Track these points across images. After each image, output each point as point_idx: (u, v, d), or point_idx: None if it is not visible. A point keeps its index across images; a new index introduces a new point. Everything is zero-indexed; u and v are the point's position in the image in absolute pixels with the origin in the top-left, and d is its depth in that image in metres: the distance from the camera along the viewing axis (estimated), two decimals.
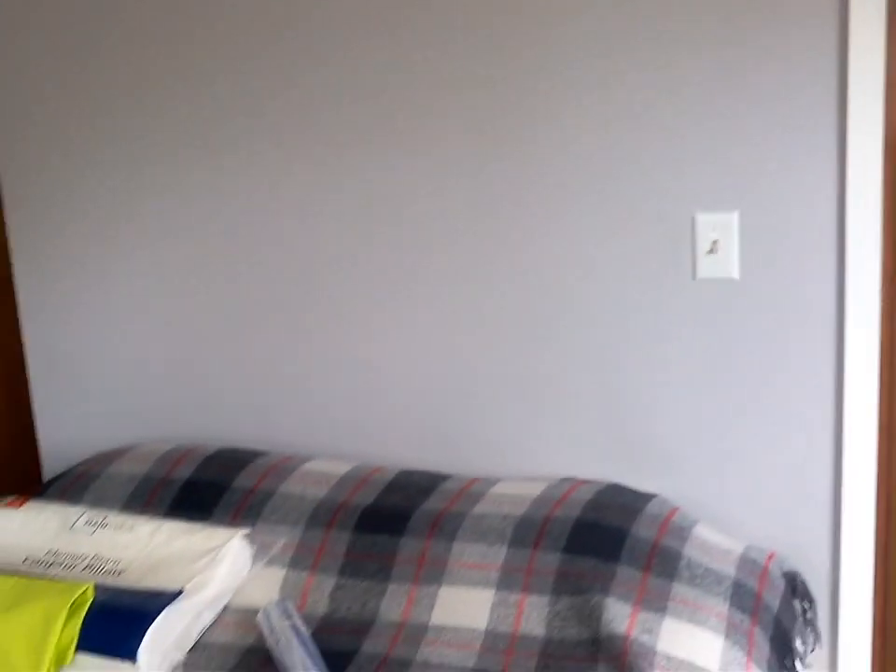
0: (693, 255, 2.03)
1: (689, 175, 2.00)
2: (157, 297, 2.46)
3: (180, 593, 1.81)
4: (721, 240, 2.00)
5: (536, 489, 2.07)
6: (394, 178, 2.20)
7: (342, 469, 2.19)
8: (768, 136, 1.94)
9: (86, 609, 1.75)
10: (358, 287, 2.28)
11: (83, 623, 1.73)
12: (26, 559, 1.97)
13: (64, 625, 1.72)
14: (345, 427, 2.35)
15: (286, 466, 2.20)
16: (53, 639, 1.71)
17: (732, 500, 2.10)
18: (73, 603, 1.75)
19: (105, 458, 2.33)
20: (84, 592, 1.78)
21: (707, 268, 2.02)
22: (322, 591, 1.92)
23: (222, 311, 2.41)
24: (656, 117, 2.00)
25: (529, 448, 2.22)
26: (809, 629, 2.00)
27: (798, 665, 1.88)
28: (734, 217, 1.99)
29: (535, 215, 2.12)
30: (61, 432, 2.61)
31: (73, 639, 1.72)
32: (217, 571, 1.89)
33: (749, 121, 1.94)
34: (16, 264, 2.57)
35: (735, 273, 2.01)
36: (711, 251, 2.01)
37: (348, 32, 2.17)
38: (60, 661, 1.71)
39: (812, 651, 2.01)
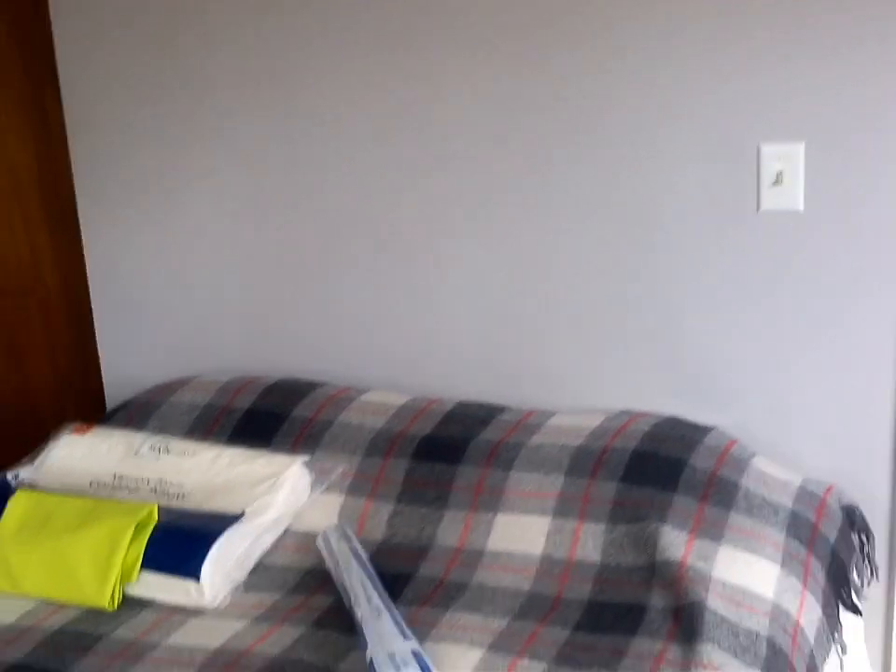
0: (757, 186, 2.00)
1: (755, 104, 1.96)
2: (219, 228, 2.47)
3: (241, 516, 1.84)
4: (787, 171, 1.96)
5: (594, 421, 2.08)
6: (460, 104, 2.18)
7: (399, 400, 2.21)
8: (836, 66, 1.89)
9: (151, 529, 1.79)
10: (419, 218, 2.28)
11: (148, 542, 1.77)
12: (92, 483, 2.02)
13: (130, 544, 1.77)
14: (404, 360, 2.36)
15: (344, 396, 2.23)
16: (119, 557, 1.75)
17: (791, 434, 2.09)
18: (138, 523, 1.79)
19: (168, 388, 2.37)
20: (149, 513, 1.82)
21: (771, 200, 1.99)
22: (380, 517, 1.95)
23: (284, 243, 2.42)
24: (724, 47, 1.96)
25: (588, 381, 2.22)
26: (866, 563, 1.99)
27: (854, 597, 1.87)
28: (800, 148, 1.95)
29: (598, 143, 2.09)
30: (123, 363, 2.66)
31: (138, 558, 1.76)
32: (278, 496, 1.92)
33: (816, 51, 1.90)
34: (79, 194, 2.60)
35: (800, 206, 1.98)
36: (776, 182, 1.98)
37: None
38: (126, 578, 1.76)
39: (868, 584, 2.00)
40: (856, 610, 1.86)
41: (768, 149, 1.97)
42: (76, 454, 2.09)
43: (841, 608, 1.82)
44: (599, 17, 2.03)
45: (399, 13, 2.19)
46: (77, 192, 2.60)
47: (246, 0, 2.31)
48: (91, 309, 2.66)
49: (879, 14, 1.85)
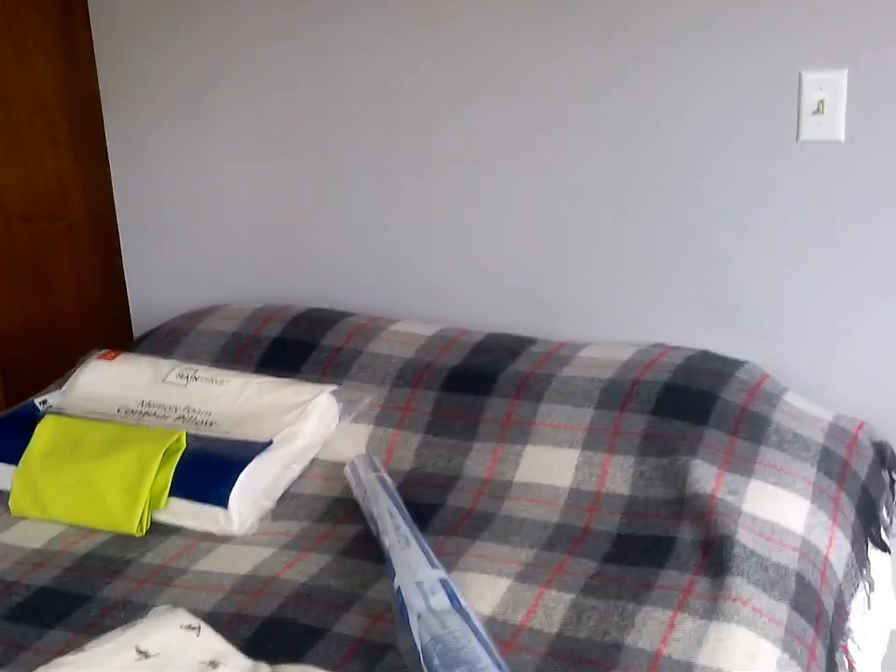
0: (797, 115, 1.95)
1: (796, 30, 1.91)
2: (249, 155, 2.45)
3: (270, 444, 1.84)
4: (828, 99, 1.92)
5: (625, 354, 2.06)
6: (496, 44, 2.15)
7: (429, 330, 2.19)
8: None
9: (179, 455, 1.79)
10: (451, 150, 2.25)
11: (176, 469, 1.77)
12: (120, 409, 2.02)
13: (158, 470, 1.77)
14: (434, 290, 2.35)
15: (373, 326, 2.21)
16: (148, 483, 1.75)
17: (823, 370, 2.06)
18: (167, 449, 1.79)
19: (195, 316, 2.36)
20: (178, 440, 1.82)
21: (811, 129, 1.95)
22: (408, 447, 1.95)
23: (314, 173, 2.40)
24: None
25: (620, 313, 2.20)
26: None
27: (883, 534, 1.86)
28: (842, 76, 1.90)
29: (637, 73, 2.05)
30: (150, 290, 2.65)
31: (167, 484, 1.76)
32: (306, 425, 1.91)
33: None
34: (107, 119, 2.57)
35: (841, 136, 1.93)
36: (817, 111, 1.93)
37: None
38: (154, 504, 1.77)
39: None
40: (885, 548, 1.85)
41: (810, 77, 1.92)
42: (103, 380, 2.08)
43: (870, 544, 1.81)
44: None
45: None
46: (105, 118, 2.57)
47: None
48: (118, 235, 2.65)
49: None
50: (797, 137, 1.97)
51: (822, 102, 1.92)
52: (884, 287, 1.98)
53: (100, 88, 2.55)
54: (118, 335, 2.71)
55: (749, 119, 1.99)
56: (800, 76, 1.93)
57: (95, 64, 2.54)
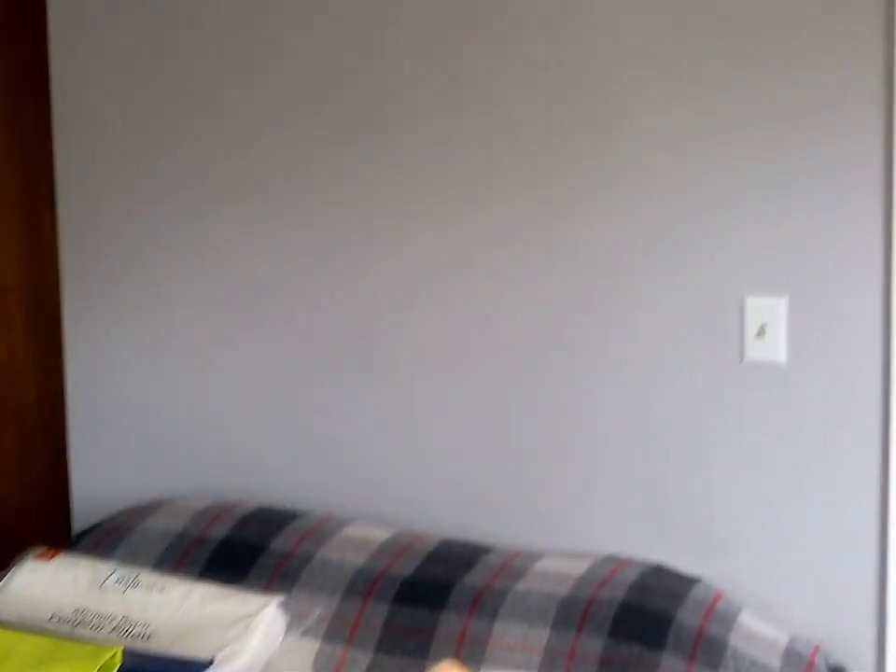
0: (741, 337, 2.01)
1: (739, 257, 1.99)
2: (202, 350, 2.45)
3: (211, 662, 1.77)
4: (770, 324, 1.98)
5: (580, 567, 2.02)
6: (444, 242, 2.20)
7: (382, 535, 2.14)
8: (817, 224, 1.93)
9: None
10: (404, 348, 2.26)
11: None
12: (53, 616, 1.93)
13: None
14: (387, 489, 2.32)
15: (325, 529, 2.16)
16: None
17: (776, 587, 2.04)
18: (100, 668, 1.71)
19: (140, 512, 2.30)
20: (112, 656, 1.74)
21: (754, 351, 2.00)
22: (357, 667, 1.87)
23: (265, 367, 2.40)
24: (711, 204, 2.00)
25: (574, 521, 2.18)
26: None
27: None
28: (783, 302, 1.97)
29: (582, 288, 2.11)
30: (96, 479, 2.59)
31: None
32: (250, 640, 1.84)
33: (798, 210, 1.94)
34: (65, 305, 2.58)
35: (783, 358, 1.98)
36: (759, 334, 1.99)
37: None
38: None
39: None
40: None
41: (752, 302, 1.99)
42: (38, 582, 2.01)
43: None
44: (587, 172, 2.08)
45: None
46: (63, 304, 2.58)
47: (240, 124, 2.35)
48: (66, 422, 2.61)
49: (854, 178, 1.90)
50: (741, 358, 2.01)
51: (764, 326, 1.98)
52: (831, 505, 1.98)
53: (60, 271, 2.56)
54: (58, 525, 2.64)
55: (695, 340, 2.04)
56: (742, 300, 1.99)
57: (57, 250, 2.55)
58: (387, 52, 2.22)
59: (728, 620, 1.89)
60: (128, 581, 1.98)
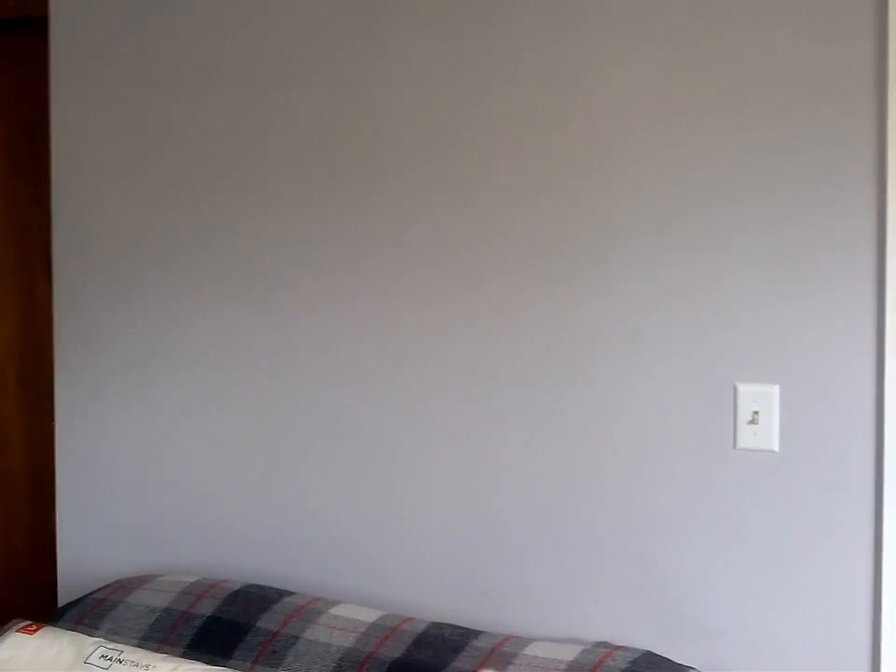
0: (733, 424, 2.01)
1: (731, 344, 2.00)
2: (192, 423, 2.45)
3: None
4: (762, 411, 1.98)
5: (571, 653, 1.99)
6: (435, 317, 2.22)
7: (370, 616, 2.11)
8: (809, 311, 1.94)
9: None
10: (392, 431, 2.26)
11: None
12: None
13: None
14: (375, 569, 2.29)
15: (312, 609, 2.13)
16: None
17: None
18: None
19: (126, 586, 2.27)
20: None
21: (747, 438, 2.00)
22: None
23: (255, 445, 2.39)
24: (704, 288, 2.01)
25: (563, 606, 2.15)
26: None
27: None
28: (775, 390, 1.97)
29: (574, 373, 2.11)
30: (82, 549, 2.57)
31: None
32: None
33: (791, 298, 1.95)
34: (57, 374, 2.57)
35: (775, 446, 1.98)
36: (752, 422, 1.99)
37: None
38: None
39: None
40: None
41: (744, 389, 2.00)
42: (21, 657, 1.98)
43: None
44: (580, 255, 2.09)
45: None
46: (56, 372, 2.57)
47: (231, 198, 2.39)
48: (54, 491, 2.59)
49: (846, 265, 1.91)
50: (734, 445, 2.01)
51: (757, 413, 1.99)
52: (822, 594, 1.97)
53: (55, 344, 2.56)
54: (43, 596, 2.60)
55: (689, 425, 2.04)
56: (735, 387, 2.00)
57: (51, 319, 2.56)
58: (383, 130, 2.25)
59: None
60: (112, 657, 1.95)
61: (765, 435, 1.99)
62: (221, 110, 2.39)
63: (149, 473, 2.49)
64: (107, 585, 2.32)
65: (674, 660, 1.99)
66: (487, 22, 2.15)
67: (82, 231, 2.53)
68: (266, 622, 2.09)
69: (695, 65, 2.00)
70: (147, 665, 1.92)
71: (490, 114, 2.16)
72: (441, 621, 2.13)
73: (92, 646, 1.99)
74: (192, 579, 2.29)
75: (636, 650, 2.02)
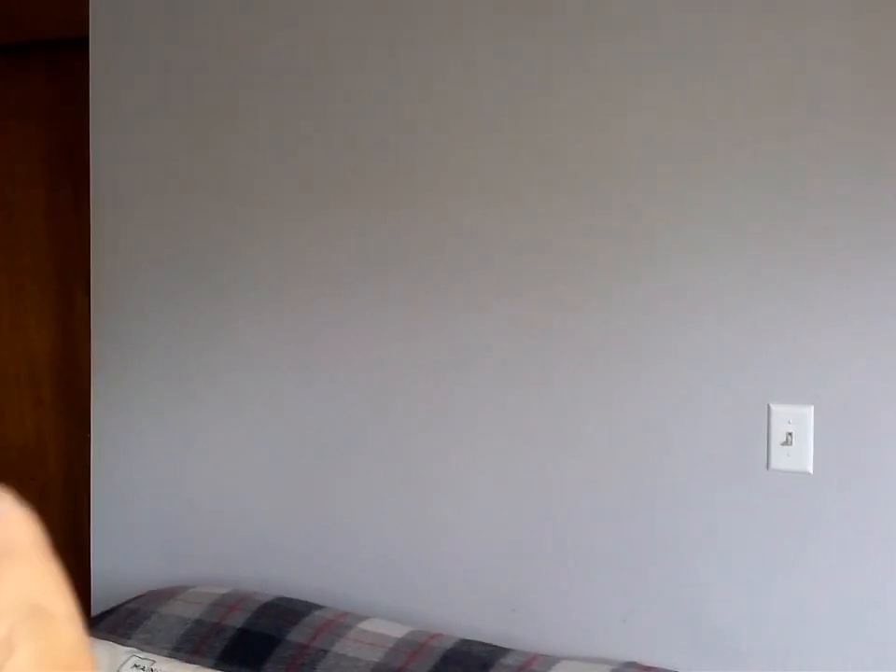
0: (767, 445, 2.00)
1: (765, 365, 1.99)
2: (227, 434, 2.45)
3: None
4: (796, 432, 1.97)
5: None
6: (469, 330, 2.21)
7: (399, 632, 2.12)
8: (844, 332, 1.93)
9: None
10: (427, 446, 2.26)
11: None
12: None
13: None
14: (404, 584, 2.29)
15: (341, 622, 2.14)
16: None
17: None
18: None
19: (159, 597, 2.29)
20: None
21: (781, 459, 1.99)
22: None
23: (288, 459, 2.40)
24: (738, 310, 2.00)
25: (593, 625, 2.14)
26: None
27: None
28: (809, 411, 1.96)
29: (608, 393, 2.10)
30: (115, 562, 2.58)
31: None
32: None
33: (825, 319, 1.94)
34: (94, 387, 2.59)
35: (809, 467, 1.97)
36: (786, 443, 1.98)
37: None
38: None
39: None
40: None
41: (778, 409, 1.98)
42: None
43: None
44: (615, 273, 2.09)
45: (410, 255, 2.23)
46: (92, 385, 2.59)
47: (266, 213, 2.40)
48: (89, 502, 2.61)
49: (882, 284, 1.90)
50: (767, 466, 2.00)
51: (791, 434, 1.97)
52: (860, 615, 1.95)
53: (91, 357, 2.58)
54: (78, 605, 2.61)
55: (720, 445, 2.03)
56: (769, 408, 1.98)
57: (89, 331, 2.58)
58: (418, 141, 2.26)
59: None
60: (145, 666, 1.97)
61: (799, 456, 1.97)
62: (256, 123, 2.42)
63: (182, 486, 2.50)
64: (140, 596, 2.33)
65: None
66: (529, 32, 2.17)
67: (119, 245, 2.55)
68: (296, 635, 2.10)
69: (719, 75, 2.01)
70: None
71: (522, 133, 2.17)
72: (470, 638, 2.14)
73: (125, 655, 2.01)
74: (223, 590, 2.30)
75: (665, 671, 2.01)
